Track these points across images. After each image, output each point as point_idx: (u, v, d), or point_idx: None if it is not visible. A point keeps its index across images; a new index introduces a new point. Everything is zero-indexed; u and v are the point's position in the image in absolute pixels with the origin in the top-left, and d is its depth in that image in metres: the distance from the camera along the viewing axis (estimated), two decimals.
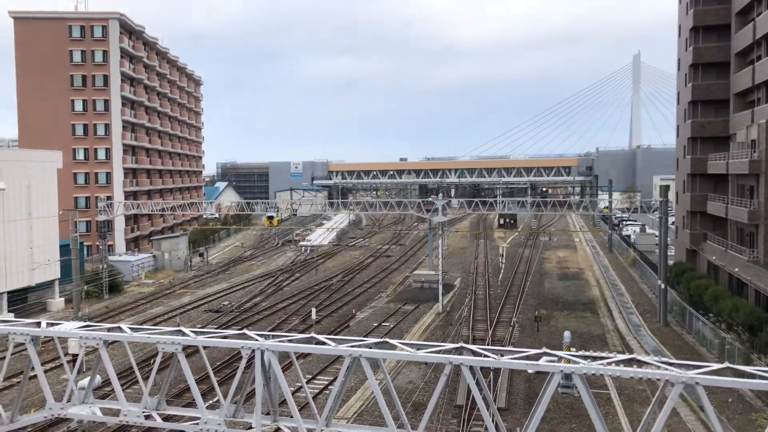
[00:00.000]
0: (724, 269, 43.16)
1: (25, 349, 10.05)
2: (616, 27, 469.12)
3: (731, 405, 27.49)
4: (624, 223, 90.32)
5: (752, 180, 40.33)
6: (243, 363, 9.68)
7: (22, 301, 48.36)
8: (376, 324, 43.50)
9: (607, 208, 79.48)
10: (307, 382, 29.48)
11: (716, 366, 9.13)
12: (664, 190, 46.19)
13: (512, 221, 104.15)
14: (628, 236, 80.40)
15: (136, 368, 10.34)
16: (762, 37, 42.67)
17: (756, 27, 43.42)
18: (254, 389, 9.87)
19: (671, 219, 56.16)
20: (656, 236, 58.86)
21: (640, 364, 9.73)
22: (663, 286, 43.13)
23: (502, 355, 9.98)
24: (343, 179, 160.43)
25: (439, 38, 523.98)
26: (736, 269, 39.44)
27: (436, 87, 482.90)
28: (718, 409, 26.00)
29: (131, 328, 10.10)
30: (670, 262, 51.27)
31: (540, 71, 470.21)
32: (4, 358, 10.80)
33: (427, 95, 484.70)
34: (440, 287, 47.58)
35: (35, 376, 10.03)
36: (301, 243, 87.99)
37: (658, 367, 9.39)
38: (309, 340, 10.17)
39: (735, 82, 48.04)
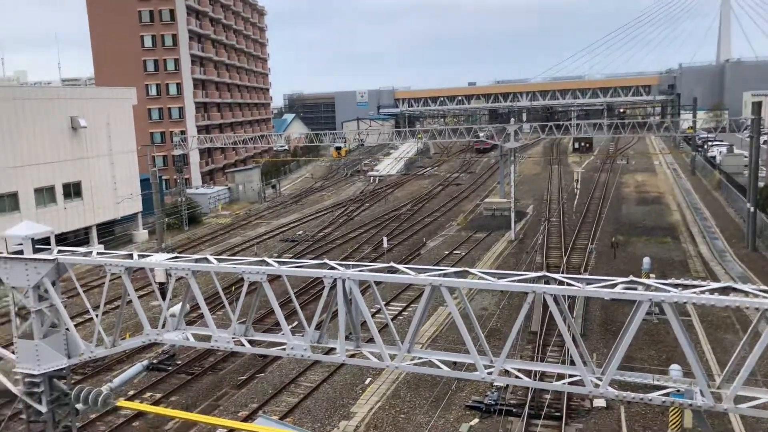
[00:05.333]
0: None
1: (118, 278, 10.56)
2: None
3: None
4: (709, 143, 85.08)
5: None
6: (326, 291, 9.81)
7: (110, 234, 51.41)
8: (447, 252, 43.61)
9: (691, 128, 74.78)
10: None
11: None
12: (757, 106, 42.85)
13: (588, 145, 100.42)
14: (713, 158, 75.84)
15: (223, 296, 10.71)
16: None
17: None
18: (334, 315, 10.03)
19: (763, 138, 52.28)
20: (745, 157, 55.21)
21: (733, 292, 9.18)
22: (752, 208, 40.76)
23: (587, 284, 9.65)
24: (409, 107, 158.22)
25: None
26: None
27: (506, 5, 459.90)
28: None
29: (217, 259, 10.39)
30: (761, 184, 48.16)
31: None
32: (101, 285, 11.42)
33: (497, 13, 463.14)
34: (512, 214, 46.84)
35: (129, 302, 10.56)
36: (370, 173, 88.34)
37: (756, 296, 8.82)
38: (388, 269, 10.15)
39: None
